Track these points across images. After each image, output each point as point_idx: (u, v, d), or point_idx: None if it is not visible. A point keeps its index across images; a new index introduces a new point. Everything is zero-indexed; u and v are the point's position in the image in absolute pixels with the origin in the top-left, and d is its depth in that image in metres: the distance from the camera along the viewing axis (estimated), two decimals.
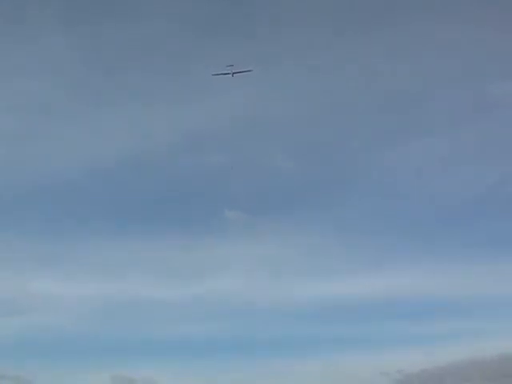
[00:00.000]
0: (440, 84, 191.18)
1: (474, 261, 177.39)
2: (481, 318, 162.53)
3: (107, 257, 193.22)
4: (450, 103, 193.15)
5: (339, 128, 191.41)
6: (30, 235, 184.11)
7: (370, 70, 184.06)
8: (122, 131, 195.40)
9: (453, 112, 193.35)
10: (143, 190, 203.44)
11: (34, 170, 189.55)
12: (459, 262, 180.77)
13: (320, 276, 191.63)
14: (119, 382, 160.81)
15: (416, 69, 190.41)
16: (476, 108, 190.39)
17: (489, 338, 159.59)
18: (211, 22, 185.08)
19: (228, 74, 79.29)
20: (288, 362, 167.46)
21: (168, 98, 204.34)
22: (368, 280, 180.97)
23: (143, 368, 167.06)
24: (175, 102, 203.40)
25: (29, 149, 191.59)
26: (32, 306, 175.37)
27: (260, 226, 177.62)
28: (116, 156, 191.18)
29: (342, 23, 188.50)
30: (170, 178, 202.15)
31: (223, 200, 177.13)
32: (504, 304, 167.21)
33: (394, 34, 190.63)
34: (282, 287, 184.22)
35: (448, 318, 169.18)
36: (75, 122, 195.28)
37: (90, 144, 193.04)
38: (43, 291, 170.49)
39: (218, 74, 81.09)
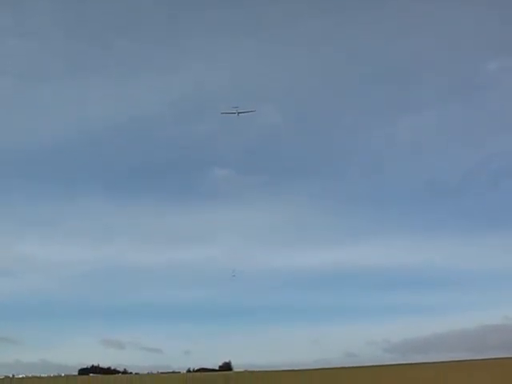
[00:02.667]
0: (430, 61, 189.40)
1: (459, 235, 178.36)
2: (465, 291, 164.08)
3: (95, 221, 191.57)
4: (439, 80, 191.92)
5: (330, 100, 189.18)
6: (17, 198, 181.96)
7: (360, 44, 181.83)
8: (110, 98, 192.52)
9: (442, 89, 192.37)
10: (131, 155, 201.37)
11: (21, 133, 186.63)
12: (445, 236, 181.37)
13: (310, 244, 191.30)
14: (107, 345, 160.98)
15: (408, 45, 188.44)
16: (465, 85, 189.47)
17: (472, 310, 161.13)
18: None
19: (234, 113, 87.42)
20: (276, 329, 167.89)
21: (156, 66, 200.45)
22: (357, 250, 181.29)
23: (130, 331, 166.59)
24: (163, 69, 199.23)
25: (15, 113, 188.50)
26: (21, 268, 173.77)
27: (249, 188, 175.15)
28: (104, 122, 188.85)
29: None
30: (158, 144, 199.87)
31: (212, 161, 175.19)
32: (487, 277, 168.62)
33: (385, 10, 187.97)
34: (270, 254, 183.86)
35: (434, 290, 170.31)
36: (63, 88, 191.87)
37: (78, 109, 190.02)
38: (33, 254, 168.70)
39: (225, 113, 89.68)
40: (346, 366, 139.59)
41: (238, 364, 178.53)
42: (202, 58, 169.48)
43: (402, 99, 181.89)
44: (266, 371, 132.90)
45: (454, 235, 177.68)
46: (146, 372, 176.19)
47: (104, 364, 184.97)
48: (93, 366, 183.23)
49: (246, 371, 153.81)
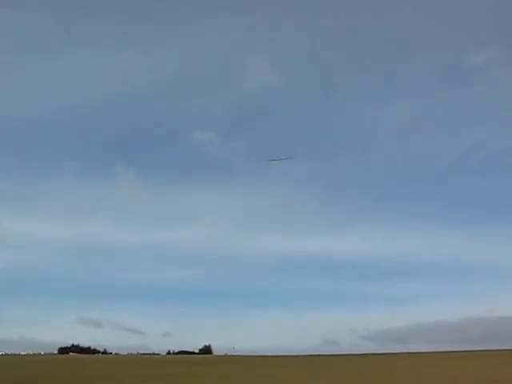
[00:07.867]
0: (420, 48, 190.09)
1: (443, 226, 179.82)
2: (447, 283, 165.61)
3: (75, 199, 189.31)
4: (428, 67, 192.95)
5: (320, 82, 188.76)
6: None
7: (354, 28, 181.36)
8: (97, 73, 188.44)
9: (431, 76, 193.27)
10: (115, 132, 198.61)
11: (3, 108, 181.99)
12: (429, 226, 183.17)
13: (293, 231, 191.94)
14: (85, 324, 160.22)
15: (399, 31, 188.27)
16: (452, 73, 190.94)
17: (453, 302, 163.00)
18: None
19: (277, 159, 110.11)
20: (257, 314, 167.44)
21: (145, 43, 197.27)
22: (341, 238, 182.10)
23: (109, 311, 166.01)
24: (152, 46, 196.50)
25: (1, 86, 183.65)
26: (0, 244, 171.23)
27: (233, 157, 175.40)
28: (90, 98, 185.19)
29: None
30: (143, 121, 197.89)
31: (195, 123, 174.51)
32: (470, 270, 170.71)
33: None
34: (253, 239, 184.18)
35: (417, 281, 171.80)
36: (47, 61, 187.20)
37: (64, 85, 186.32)
38: (11, 231, 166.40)
39: (272, 160, 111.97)
40: (326, 353, 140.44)
41: (219, 347, 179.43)
42: (190, 33, 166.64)
43: (391, 85, 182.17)
44: (246, 356, 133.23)
45: (438, 225, 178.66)
46: (125, 353, 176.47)
47: (84, 343, 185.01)
48: (73, 345, 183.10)
49: (226, 355, 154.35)
